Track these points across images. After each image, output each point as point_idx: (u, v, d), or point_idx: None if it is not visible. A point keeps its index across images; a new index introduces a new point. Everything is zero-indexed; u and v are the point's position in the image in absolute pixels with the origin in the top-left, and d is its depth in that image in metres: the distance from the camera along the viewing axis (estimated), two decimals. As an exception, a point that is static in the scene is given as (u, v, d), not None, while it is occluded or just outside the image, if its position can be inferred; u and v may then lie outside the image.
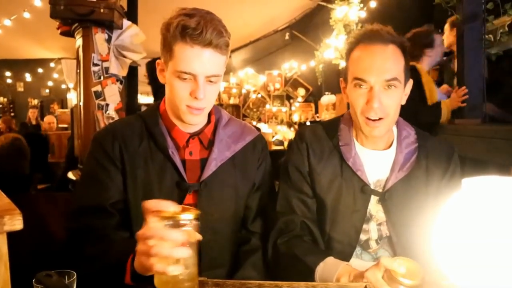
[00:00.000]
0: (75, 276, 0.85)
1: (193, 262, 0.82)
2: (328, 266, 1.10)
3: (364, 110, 1.19)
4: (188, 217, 0.80)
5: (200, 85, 1.10)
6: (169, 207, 0.81)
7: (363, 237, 1.27)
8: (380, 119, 1.18)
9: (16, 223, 0.54)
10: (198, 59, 1.08)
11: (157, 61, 1.17)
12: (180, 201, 1.17)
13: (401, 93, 1.21)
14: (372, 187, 1.25)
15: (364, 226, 1.26)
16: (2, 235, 0.54)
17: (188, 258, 0.80)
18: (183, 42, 1.07)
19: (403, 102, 1.24)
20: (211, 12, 1.13)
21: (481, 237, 0.56)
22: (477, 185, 0.58)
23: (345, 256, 1.23)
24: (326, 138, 1.30)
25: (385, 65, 1.16)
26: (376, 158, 1.26)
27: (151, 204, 0.82)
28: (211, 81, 1.12)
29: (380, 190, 1.24)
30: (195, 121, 1.19)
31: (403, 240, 1.22)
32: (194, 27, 1.06)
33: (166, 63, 1.13)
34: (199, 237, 0.82)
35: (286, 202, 1.29)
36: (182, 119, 1.17)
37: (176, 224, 0.79)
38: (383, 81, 1.16)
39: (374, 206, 1.26)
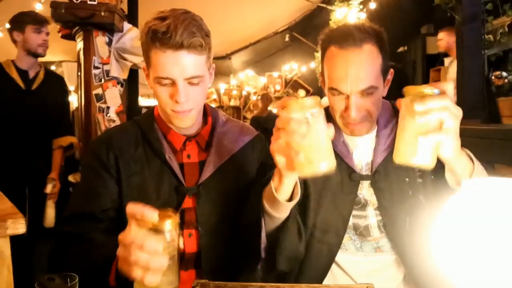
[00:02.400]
0: (77, 280, 0.85)
1: (174, 270, 0.81)
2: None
3: (343, 116, 1.18)
4: (169, 225, 0.78)
5: (180, 89, 1.07)
6: (152, 214, 0.78)
7: (361, 222, 1.24)
8: (360, 122, 1.17)
9: (19, 227, 0.55)
10: (173, 63, 1.05)
11: (143, 67, 1.16)
12: (178, 205, 1.17)
13: (381, 92, 1.18)
14: (363, 172, 1.23)
15: (362, 213, 1.24)
16: (5, 239, 0.55)
17: (168, 267, 0.78)
18: (155, 48, 1.05)
19: (384, 94, 1.21)
20: (188, 11, 1.09)
21: (481, 238, 0.56)
22: (477, 186, 0.59)
23: (332, 247, 1.22)
24: None
25: (359, 74, 1.11)
26: (363, 143, 1.25)
27: (133, 209, 0.79)
28: (192, 83, 1.09)
29: (369, 173, 1.23)
30: (185, 124, 1.17)
31: (396, 225, 1.20)
32: (164, 31, 1.02)
33: (148, 69, 1.12)
34: (180, 245, 0.81)
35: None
36: (172, 123, 1.17)
37: (157, 232, 0.77)
38: (358, 91, 1.12)
39: (367, 191, 1.24)
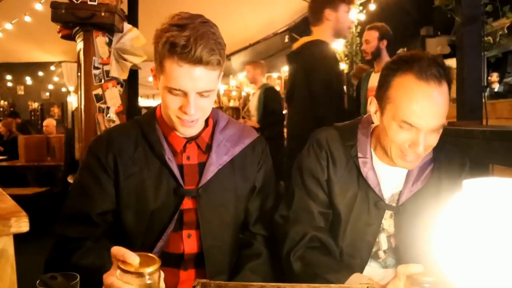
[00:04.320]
0: (78, 279, 0.86)
1: None
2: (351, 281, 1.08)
3: (404, 150, 1.12)
4: (149, 271, 0.80)
5: (191, 101, 1.07)
6: (133, 258, 0.80)
7: (373, 248, 1.25)
8: (420, 158, 1.14)
9: (22, 225, 0.55)
10: (188, 77, 1.04)
11: (151, 67, 1.15)
12: (177, 207, 1.17)
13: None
14: (387, 201, 1.22)
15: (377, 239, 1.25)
16: (9, 237, 0.55)
17: None
18: (172, 60, 1.04)
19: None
20: (206, 21, 1.08)
21: (482, 238, 0.56)
22: (478, 186, 0.59)
23: (356, 270, 1.20)
24: (344, 146, 1.25)
25: (439, 112, 1.06)
26: (392, 172, 1.22)
27: (117, 252, 0.81)
28: (203, 95, 1.09)
29: (394, 205, 1.21)
30: (189, 133, 1.18)
31: (410, 250, 1.21)
32: (183, 45, 1.01)
33: (158, 74, 1.11)
34: (161, 287, 0.84)
35: (300, 210, 1.24)
36: (176, 129, 1.17)
37: (138, 277, 0.80)
38: (432, 128, 1.07)
39: (387, 220, 1.24)
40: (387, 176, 1.22)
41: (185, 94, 1.08)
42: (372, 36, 3.20)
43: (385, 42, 3.20)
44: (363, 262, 1.24)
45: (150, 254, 0.84)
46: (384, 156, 1.21)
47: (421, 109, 1.05)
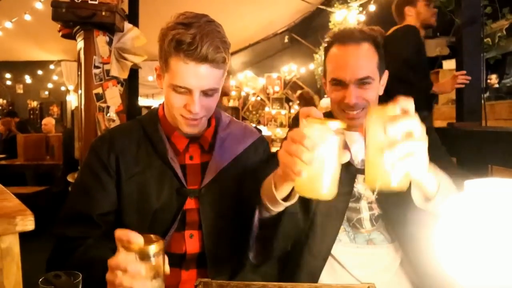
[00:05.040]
0: (80, 278, 0.86)
1: None
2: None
3: (342, 107, 1.25)
4: (153, 249, 0.80)
5: (195, 100, 1.08)
6: (138, 238, 0.81)
7: (354, 216, 1.28)
8: (358, 111, 1.24)
9: (28, 223, 0.55)
10: (194, 75, 1.05)
11: (155, 66, 1.16)
12: (180, 207, 1.17)
13: (377, 86, 1.27)
14: (359, 167, 1.27)
15: (355, 205, 1.28)
16: (14, 236, 0.55)
17: None
18: (177, 58, 1.04)
19: (381, 93, 1.30)
20: (211, 20, 1.09)
21: (483, 238, 0.57)
22: (479, 187, 0.60)
23: (329, 236, 1.25)
24: None
25: (357, 63, 1.23)
26: (360, 139, 1.29)
27: (121, 233, 0.82)
28: (207, 94, 1.10)
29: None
30: (193, 131, 1.18)
31: (394, 217, 1.24)
32: (189, 42, 1.02)
33: (163, 72, 1.12)
34: (166, 270, 0.84)
35: None
36: (179, 128, 1.17)
37: (143, 256, 0.80)
38: (356, 79, 1.22)
39: (362, 185, 1.28)
40: (355, 143, 1.29)
41: (190, 92, 1.08)
42: None
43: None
44: (336, 228, 1.26)
45: (153, 236, 0.85)
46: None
47: (341, 63, 1.25)
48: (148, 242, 0.81)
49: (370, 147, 0.82)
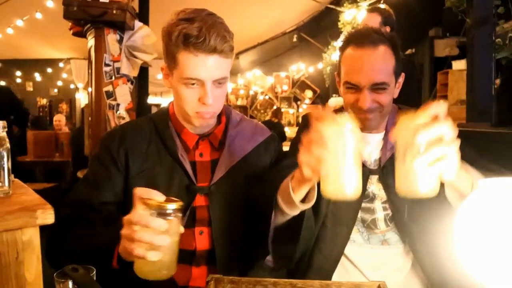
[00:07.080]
0: (94, 272, 0.87)
1: (173, 251, 0.85)
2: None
3: (355, 108, 1.23)
4: (172, 207, 0.83)
5: (208, 91, 1.09)
6: (157, 196, 0.83)
7: (368, 216, 1.28)
8: (372, 112, 1.22)
9: (48, 217, 0.56)
10: (204, 66, 1.07)
11: (161, 66, 1.16)
12: (189, 203, 1.17)
13: (392, 91, 1.24)
14: (372, 167, 1.27)
15: (369, 205, 1.27)
16: (35, 229, 0.56)
17: (168, 247, 0.83)
18: (187, 51, 1.06)
19: (395, 96, 1.28)
20: (211, 13, 1.11)
21: (500, 237, 0.57)
22: (493, 186, 0.60)
23: (342, 238, 1.25)
24: None
25: (374, 68, 1.19)
26: (373, 141, 1.29)
27: (141, 191, 0.84)
28: (219, 83, 1.12)
29: (377, 168, 1.27)
30: (206, 124, 1.20)
31: (409, 217, 1.23)
32: (197, 35, 1.04)
33: (171, 70, 1.12)
34: (181, 229, 0.86)
35: None
36: (192, 123, 1.18)
37: (161, 213, 0.82)
38: (371, 84, 1.19)
39: (376, 185, 1.28)
40: (368, 144, 1.29)
41: (202, 85, 1.09)
42: (373, 20, 2.74)
43: (388, 30, 2.81)
44: (349, 229, 1.26)
45: (173, 198, 0.87)
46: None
47: (356, 67, 1.21)
48: (167, 200, 0.84)
49: (401, 156, 0.81)
